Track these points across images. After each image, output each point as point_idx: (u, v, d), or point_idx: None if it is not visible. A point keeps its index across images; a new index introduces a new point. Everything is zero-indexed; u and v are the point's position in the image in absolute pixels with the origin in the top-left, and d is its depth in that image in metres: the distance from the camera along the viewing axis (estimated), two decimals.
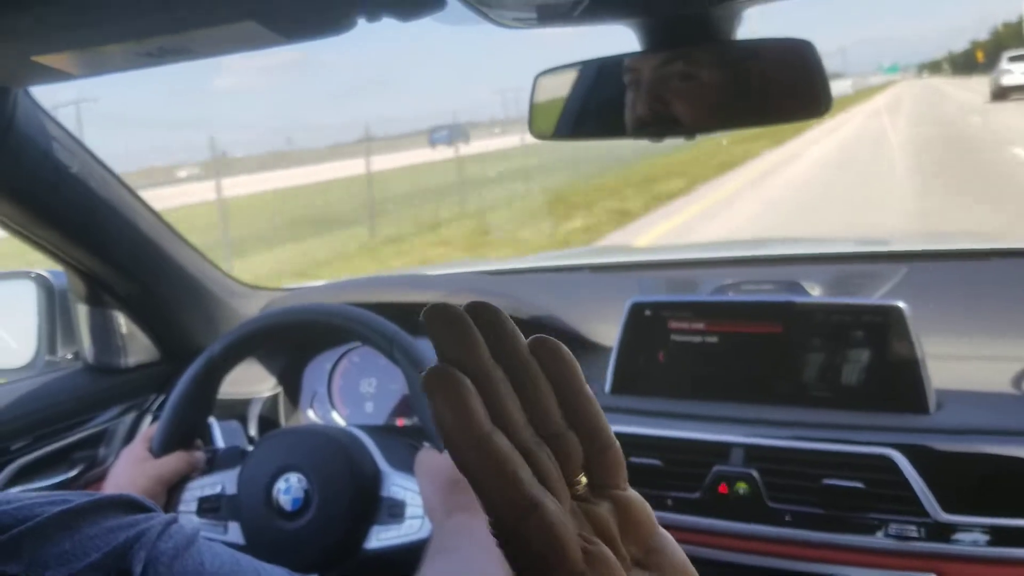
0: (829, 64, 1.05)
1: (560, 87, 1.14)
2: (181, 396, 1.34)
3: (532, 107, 1.16)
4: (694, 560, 1.35)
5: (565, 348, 0.49)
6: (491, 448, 0.42)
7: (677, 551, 0.51)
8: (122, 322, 1.77)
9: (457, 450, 0.42)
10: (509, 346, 0.47)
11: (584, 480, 0.48)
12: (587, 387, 0.48)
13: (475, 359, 0.45)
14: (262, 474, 1.29)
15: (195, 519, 1.34)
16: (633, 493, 0.51)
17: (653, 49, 1.05)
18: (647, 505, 0.51)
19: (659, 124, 1.11)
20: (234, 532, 1.31)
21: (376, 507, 1.26)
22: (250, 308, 1.91)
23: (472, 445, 0.42)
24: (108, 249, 1.61)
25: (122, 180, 1.61)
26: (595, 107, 1.14)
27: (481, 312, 0.47)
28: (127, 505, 0.63)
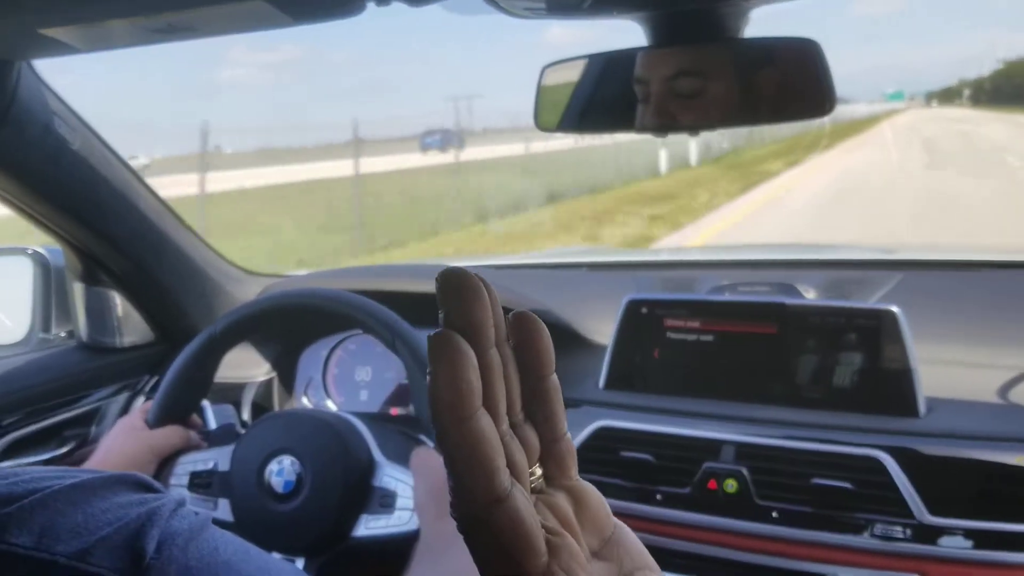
0: None
1: (566, 79, 1.15)
2: (179, 371, 1.35)
3: (538, 99, 1.16)
4: (681, 555, 1.36)
5: (544, 327, 0.48)
6: (477, 429, 0.41)
7: (634, 541, 0.50)
8: (118, 302, 1.77)
9: (444, 423, 0.41)
10: (496, 327, 0.46)
11: (539, 471, 0.48)
12: (555, 373, 0.47)
13: (481, 335, 0.44)
14: (256, 454, 1.29)
15: (185, 493, 1.34)
16: (587, 484, 0.50)
17: (660, 45, 1.06)
18: (601, 495, 0.50)
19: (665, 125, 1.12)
20: (223, 509, 1.31)
21: (367, 496, 1.26)
22: (247, 293, 1.91)
23: (460, 421, 0.41)
24: (106, 227, 1.61)
25: (123, 159, 1.61)
26: (602, 101, 1.14)
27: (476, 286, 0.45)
28: (136, 484, 0.63)
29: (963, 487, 1.20)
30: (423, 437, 1.33)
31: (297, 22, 1.05)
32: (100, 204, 1.58)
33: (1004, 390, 1.31)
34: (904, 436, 1.24)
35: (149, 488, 0.64)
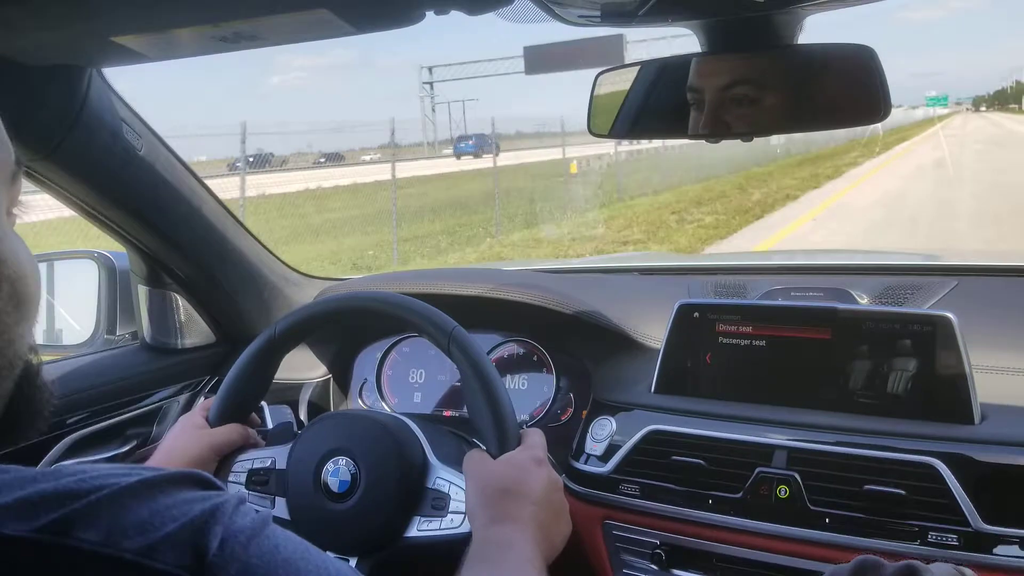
0: None
1: (619, 86, 1.16)
2: (240, 371, 1.37)
3: (591, 105, 1.17)
4: (733, 560, 1.37)
5: None
6: None
7: None
8: (180, 304, 1.81)
9: None
10: None
11: None
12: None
13: None
14: (312, 454, 1.31)
15: (243, 490, 1.37)
16: None
17: (714, 51, 1.07)
18: None
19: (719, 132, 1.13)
20: (280, 507, 1.33)
21: (420, 497, 1.27)
22: (305, 296, 1.95)
23: None
24: (171, 231, 1.66)
25: (187, 164, 1.65)
26: (655, 107, 1.15)
27: None
28: (199, 481, 0.65)
29: (1019, 495, 1.18)
30: (475, 440, 1.35)
31: (359, 31, 1.07)
32: (165, 209, 1.62)
33: None
34: (959, 443, 1.23)
35: (211, 485, 0.65)
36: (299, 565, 0.63)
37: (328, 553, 1.29)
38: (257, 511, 0.65)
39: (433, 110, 72.19)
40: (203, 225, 1.70)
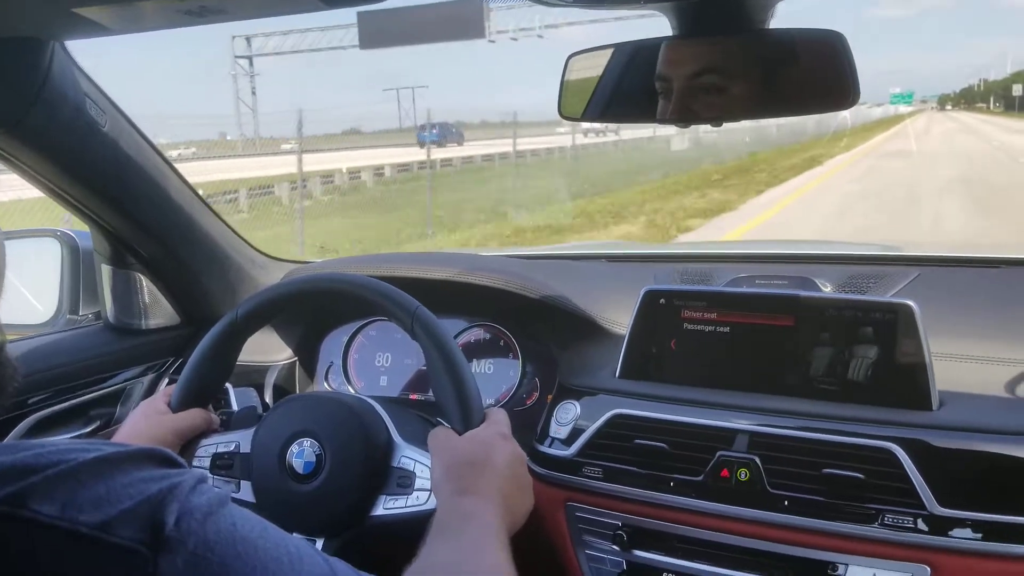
0: None
1: (591, 70, 1.16)
2: (202, 355, 1.36)
3: (563, 88, 1.17)
4: (693, 541, 1.38)
5: None
6: None
7: None
8: (144, 284, 1.80)
9: None
10: None
11: None
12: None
13: None
14: (277, 436, 1.31)
15: (208, 474, 1.36)
16: None
17: (685, 35, 1.07)
18: None
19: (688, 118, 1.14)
20: (245, 491, 1.33)
21: (386, 476, 1.28)
22: (271, 278, 1.94)
23: None
24: (135, 209, 1.64)
25: (152, 143, 1.64)
26: (626, 91, 1.16)
27: None
28: (159, 458, 0.65)
29: (974, 480, 1.21)
30: (440, 420, 1.35)
31: (329, 6, 1.06)
32: (129, 187, 1.60)
33: (1015, 384, 1.32)
34: (917, 428, 1.25)
35: (172, 463, 0.65)
36: (257, 543, 0.63)
37: (295, 535, 1.30)
38: (217, 489, 0.65)
39: (253, 92, 57.56)
40: (168, 205, 1.69)
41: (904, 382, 1.30)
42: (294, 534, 1.28)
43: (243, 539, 0.63)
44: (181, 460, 0.67)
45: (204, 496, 0.62)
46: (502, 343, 1.79)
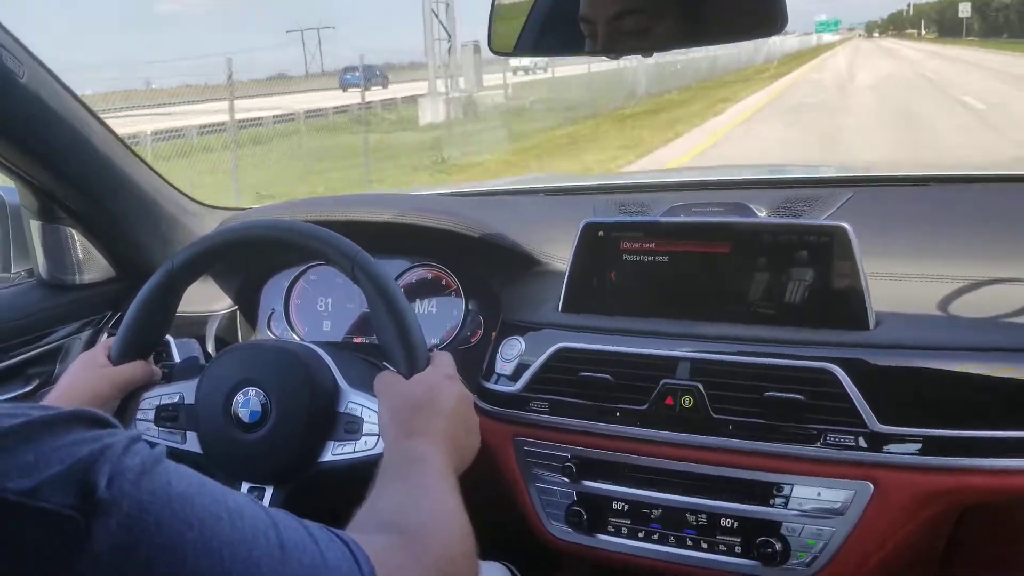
0: None
1: (519, 4, 1.15)
2: (140, 307, 1.34)
3: (492, 21, 1.16)
4: (640, 469, 1.40)
5: None
6: None
7: None
8: (76, 238, 1.76)
9: None
10: None
11: None
12: None
13: None
14: (221, 386, 1.30)
15: (152, 427, 1.35)
16: None
17: None
18: None
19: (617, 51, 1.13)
20: (191, 442, 1.33)
21: (333, 422, 1.28)
22: (206, 227, 1.90)
23: None
24: (59, 162, 1.59)
25: (74, 92, 1.59)
26: (555, 25, 1.14)
27: None
28: (89, 420, 0.63)
29: (912, 396, 1.24)
30: (386, 364, 1.35)
31: None
32: (52, 138, 1.56)
33: (950, 301, 1.35)
34: (854, 348, 1.28)
35: (104, 423, 0.64)
36: (194, 500, 0.63)
37: (243, 485, 1.29)
38: (153, 447, 0.64)
39: None
40: (94, 155, 1.64)
41: (841, 303, 1.32)
42: (241, 485, 1.29)
43: (179, 496, 0.62)
44: (114, 420, 0.65)
45: (137, 456, 0.61)
46: (444, 282, 1.79)
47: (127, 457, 0.60)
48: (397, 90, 29.78)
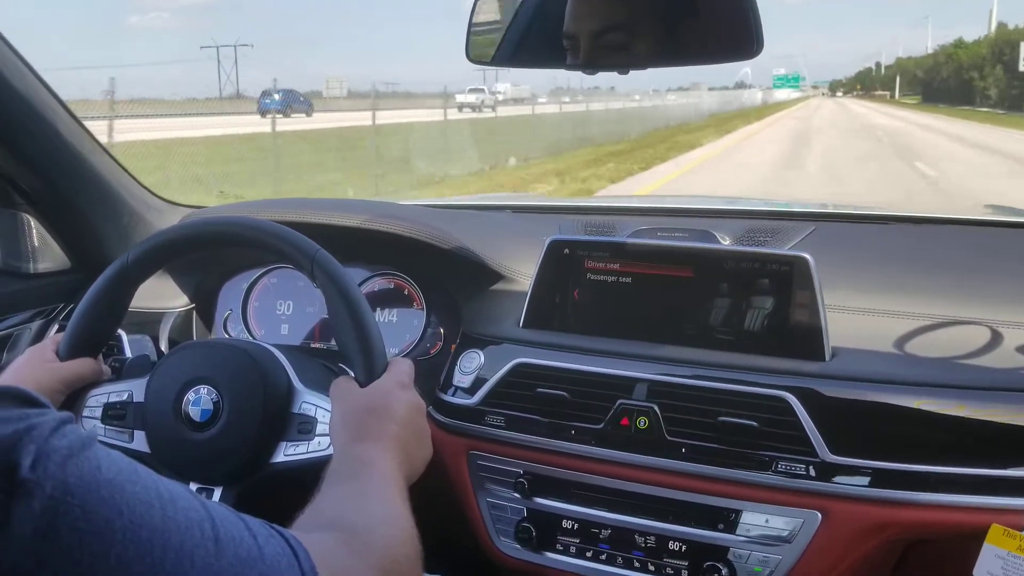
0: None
1: (497, 13, 1.15)
2: (91, 302, 1.30)
3: (470, 30, 1.16)
4: (593, 488, 1.40)
5: None
6: None
7: None
8: (32, 225, 1.73)
9: None
10: None
11: None
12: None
13: None
14: (171, 384, 1.27)
15: (99, 425, 1.32)
16: None
17: None
18: None
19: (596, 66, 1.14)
20: (139, 440, 1.29)
21: (286, 422, 1.26)
22: (167, 223, 1.88)
23: None
24: (18, 144, 1.57)
25: (39, 76, 1.56)
26: (536, 35, 1.15)
27: None
28: (16, 398, 0.62)
29: (863, 428, 1.25)
30: (344, 367, 1.34)
31: None
32: (12, 121, 1.53)
33: (907, 338, 1.36)
34: (810, 378, 1.29)
35: (33, 403, 0.62)
36: (125, 486, 0.61)
37: (191, 484, 1.26)
38: (83, 430, 0.62)
39: None
40: (56, 140, 1.61)
41: (799, 333, 1.34)
42: (192, 484, 1.27)
43: (108, 482, 0.60)
44: (44, 400, 0.63)
45: (66, 438, 0.59)
46: (406, 292, 1.78)
47: (55, 439, 0.58)
48: (327, 119, 26.83)
